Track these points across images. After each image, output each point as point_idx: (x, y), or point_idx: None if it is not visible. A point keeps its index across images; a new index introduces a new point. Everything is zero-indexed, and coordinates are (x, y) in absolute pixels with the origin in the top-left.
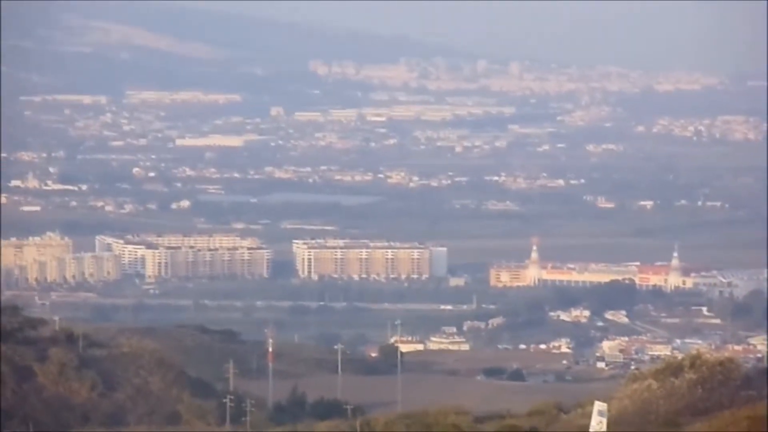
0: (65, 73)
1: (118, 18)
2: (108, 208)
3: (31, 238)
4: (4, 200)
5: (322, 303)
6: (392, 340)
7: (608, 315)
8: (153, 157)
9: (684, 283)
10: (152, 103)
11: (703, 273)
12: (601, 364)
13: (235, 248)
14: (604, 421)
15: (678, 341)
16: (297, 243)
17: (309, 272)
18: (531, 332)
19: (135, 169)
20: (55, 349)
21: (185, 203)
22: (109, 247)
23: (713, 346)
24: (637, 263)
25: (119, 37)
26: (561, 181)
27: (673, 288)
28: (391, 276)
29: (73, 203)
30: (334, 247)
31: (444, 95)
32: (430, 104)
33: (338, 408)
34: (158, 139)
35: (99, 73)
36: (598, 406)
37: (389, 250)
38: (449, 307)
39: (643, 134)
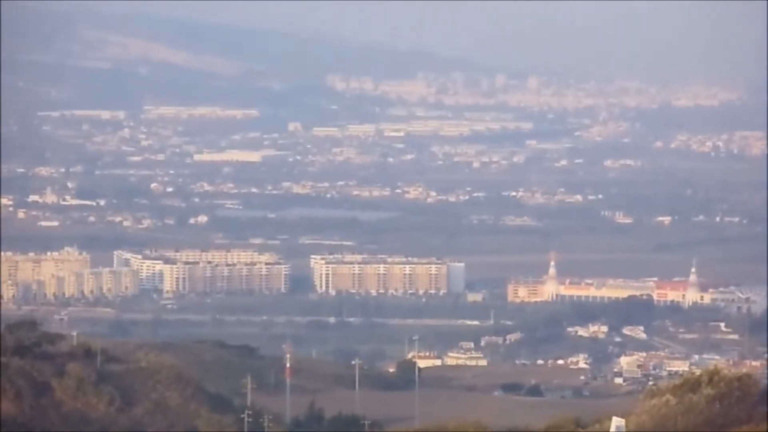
0: (83, 88)
1: (137, 33)
2: (126, 223)
3: (49, 253)
4: (22, 215)
5: (339, 318)
6: (410, 356)
7: (626, 330)
8: (171, 172)
9: (702, 298)
10: (170, 119)
11: (721, 289)
12: (618, 380)
13: (253, 263)
14: None
15: (696, 357)
16: (315, 258)
17: (327, 287)
18: (549, 347)
19: (153, 185)
20: (73, 364)
21: (203, 218)
22: (127, 262)
23: (731, 362)
24: (655, 279)
25: (137, 52)
26: (579, 197)
27: (691, 303)
28: (409, 291)
29: (91, 218)
30: (351, 263)
31: (462, 110)
32: (448, 119)
33: (356, 423)
34: (176, 155)
35: (117, 88)
36: (616, 421)
37: (407, 266)
38: (467, 322)
39: (661, 150)
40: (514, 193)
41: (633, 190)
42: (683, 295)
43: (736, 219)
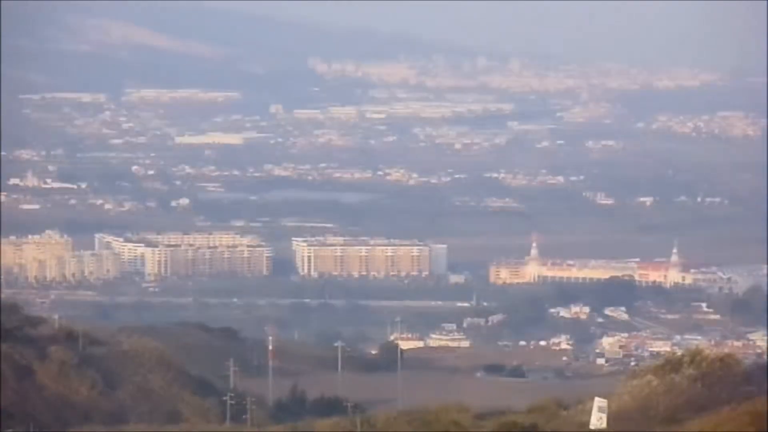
0: (64, 71)
1: (118, 16)
2: (107, 206)
3: (30, 237)
4: (3, 199)
5: (322, 300)
6: (392, 338)
7: (608, 311)
8: (152, 155)
9: (684, 279)
10: (151, 101)
11: (702, 269)
12: (601, 361)
13: (235, 246)
14: (604, 417)
15: (678, 337)
16: (297, 240)
17: (309, 270)
18: (531, 329)
19: (134, 167)
20: (55, 347)
21: (185, 201)
22: (108, 246)
23: (713, 342)
24: (637, 260)
25: (118, 36)
26: (561, 178)
27: (672, 284)
28: (391, 273)
29: (73, 201)
30: (333, 245)
31: (443, 92)
32: (430, 101)
33: (339, 405)
34: (157, 137)
35: (98, 72)
36: (599, 402)
37: (389, 248)
38: (449, 304)
39: (643, 131)
40: (495, 175)
41: (615, 171)
42: (665, 276)
43: (718, 200)
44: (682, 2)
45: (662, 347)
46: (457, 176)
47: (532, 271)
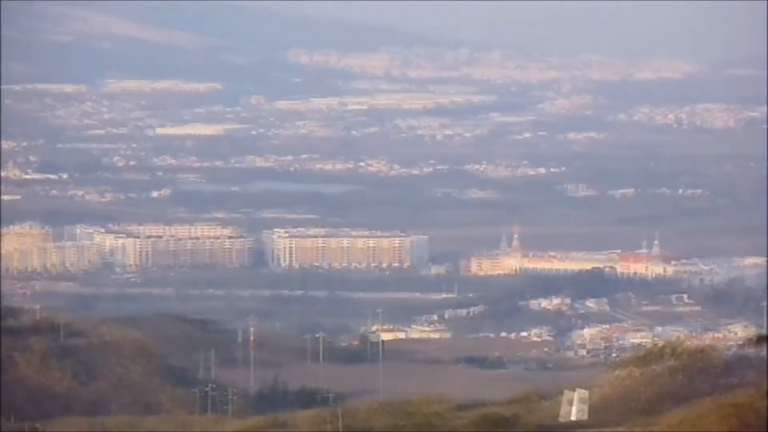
0: (45, 62)
1: (99, 7)
2: (88, 197)
3: (11, 227)
4: None
5: (303, 292)
6: (374, 329)
7: (589, 303)
8: (134, 145)
9: (665, 270)
10: (132, 92)
11: (683, 261)
12: (581, 352)
13: (216, 237)
14: (586, 408)
15: (659, 329)
16: (278, 232)
17: (290, 261)
18: (512, 320)
19: (115, 158)
20: (37, 338)
21: (166, 192)
22: (89, 236)
23: (694, 334)
24: (618, 251)
25: (99, 26)
26: (542, 170)
27: (653, 276)
28: (373, 264)
29: (54, 192)
30: (315, 236)
31: (425, 83)
32: (412, 92)
33: (320, 397)
34: (139, 128)
35: (79, 62)
36: (580, 393)
37: (370, 239)
38: (431, 295)
39: (625, 122)
40: (477, 166)
41: (596, 163)
42: (646, 268)
43: (699, 191)
44: None
45: (643, 338)
46: (438, 167)
47: (514, 262)
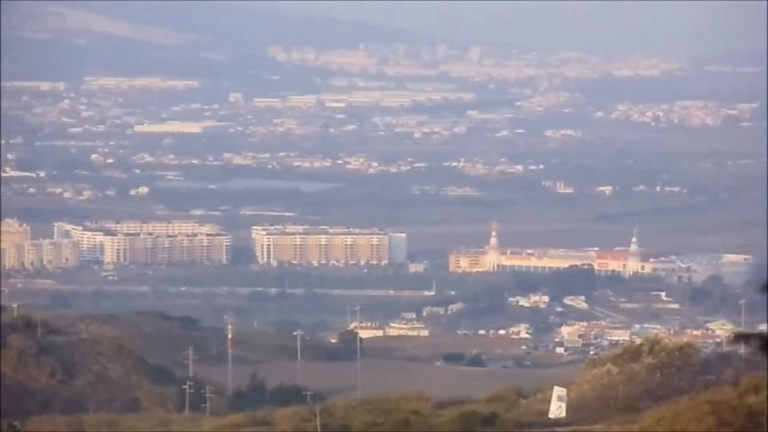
0: (23, 59)
1: (76, 3)
2: (66, 194)
3: None
4: None
5: (281, 289)
6: (352, 326)
7: (567, 300)
8: (111, 143)
9: (643, 268)
10: (111, 90)
11: (661, 258)
12: (560, 350)
13: (194, 235)
14: (564, 405)
15: (637, 326)
16: (256, 229)
17: (268, 258)
18: (490, 318)
19: (93, 156)
20: (14, 336)
21: (144, 190)
22: (67, 234)
23: (672, 331)
24: (596, 248)
25: (77, 23)
26: (520, 167)
27: (632, 273)
28: (351, 262)
29: (32, 190)
30: (293, 233)
31: (403, 81)
32: (390, 90)
33: (298, 394)
34: (117, 126)
35: (57, 60)
36: (558, 391)
37: (349, 236)
38: (409, 292)
39: (602, 120)
40: (455, 164)
41: (574, 160)
42: (624, 265)
43: (677, 189)
44: None
45: (621, 336)
46: (416, 165)
47: (492, 259)
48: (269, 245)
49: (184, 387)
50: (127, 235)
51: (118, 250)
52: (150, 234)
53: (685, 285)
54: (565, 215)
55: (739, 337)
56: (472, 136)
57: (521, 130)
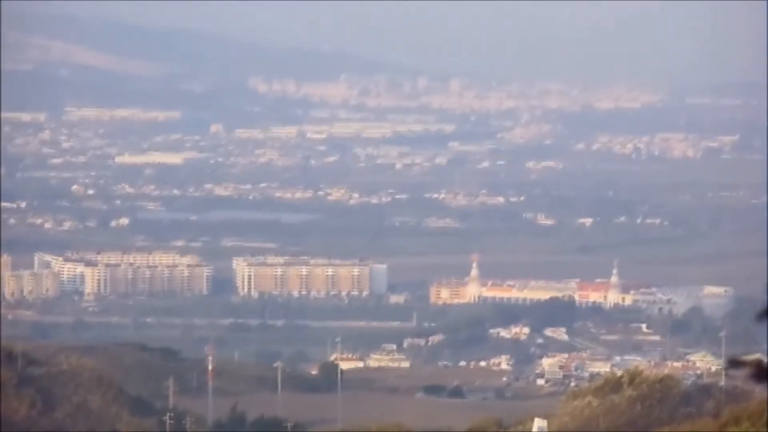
0: (4, 90)
1: (58, 35)
2: (47, 225)
3: None
4: None
5: (262, 320)
6: (332, 358)
7: (548, 332)
8: (92, 174)
9: (623, 299)
10: (91, 121)
11: (642, 290)
12: (540, 381)
13: (175, 265)
14: None
15: (617, 358)
16: (237, 260)
17: (249, 289)
18: (471, 349)
19: (74, 187)
20: None
21: (124, 221)
22: (47, 265)
23: (653, 363)
24: (577, 280)
25: (58, 54)
26: (501, 198)
27: (612, 305)
28: (332, 293)
29: (12, 221)
30: (274, 264)
31: (384, 112)
32: (371, 121)
33: (278, 426)
34: (97, 157)
35: (38, 90)
36: (538, 422)
37: (329, 267)
38: (389, 324)
39: (583, 151)
40: (436, 195)
41: (555, 192)
42: (605, 297)
43: (658, 221)
44: (623, 21)
45: (602, 368)
46: (397, 196)
47: (473, 291)
48: (250, 276)
49: (164, 418)
50: (107, 265)
51: (98, 280)
52: (130, 265)
53: (666, 317)
54: (546, 247)
55: (719, 370)
56: (453, 168)
57: (502, 162)
